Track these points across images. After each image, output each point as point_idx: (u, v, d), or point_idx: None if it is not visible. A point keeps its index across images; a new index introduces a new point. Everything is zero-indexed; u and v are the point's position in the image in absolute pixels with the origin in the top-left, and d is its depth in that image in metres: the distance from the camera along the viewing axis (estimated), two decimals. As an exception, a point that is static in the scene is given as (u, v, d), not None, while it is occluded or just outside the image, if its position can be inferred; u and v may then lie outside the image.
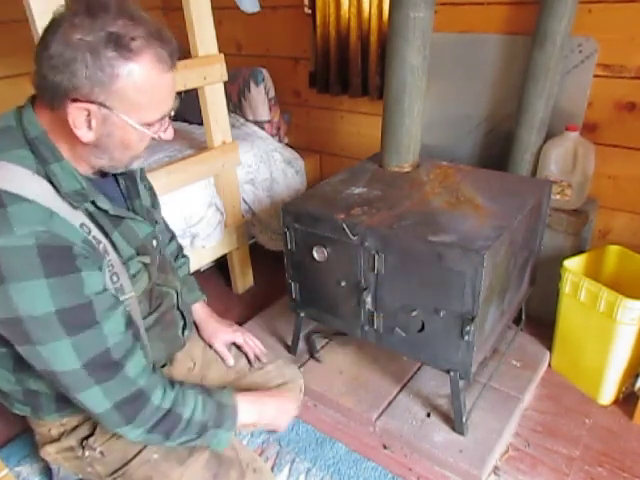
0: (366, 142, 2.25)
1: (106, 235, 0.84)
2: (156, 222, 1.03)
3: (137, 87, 0.75)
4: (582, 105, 1.66)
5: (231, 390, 1.01)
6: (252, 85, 2.21)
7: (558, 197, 1.67)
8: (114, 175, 0.93)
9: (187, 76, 1.63)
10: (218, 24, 1.70)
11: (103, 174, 0.91)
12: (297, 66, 2.36)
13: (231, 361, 1.18)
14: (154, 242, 0.98)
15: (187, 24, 1.63)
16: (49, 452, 1.02)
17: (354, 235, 1.27)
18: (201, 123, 1.85)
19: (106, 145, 0.80)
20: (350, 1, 1.98)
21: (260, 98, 2.23)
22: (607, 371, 1.48)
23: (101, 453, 0.98)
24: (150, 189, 1.09)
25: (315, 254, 1.36)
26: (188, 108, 2.13)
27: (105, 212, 0.85)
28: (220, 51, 1.74)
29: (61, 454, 1.01)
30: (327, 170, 2.48)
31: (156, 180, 1.65)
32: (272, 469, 1.39)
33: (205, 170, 1.81)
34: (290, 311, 1.60)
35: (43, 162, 0.78)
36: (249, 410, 1.00)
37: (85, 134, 0.77)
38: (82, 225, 0.79)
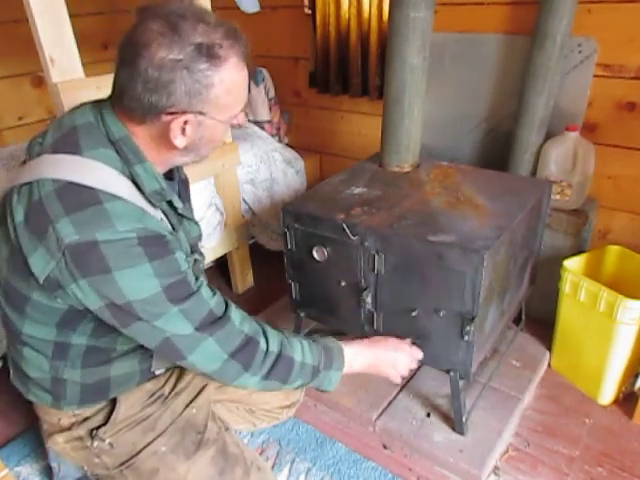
0: (366, 142, 2.24)
1: (175, 232, 0.90)
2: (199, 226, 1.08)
3: (227, 89, 0.79)
4: (582, 105, 1.66)
5: (332, 338, 1.04)
6: (252, 85, 2.21)
7: (558, 197, 1.67)
8: (172, 179, 0.99)
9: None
10: (218, 24, 1.70)
11: (168, 177, 0.96)
12: (297, 66, 2.36)
13: None
14: (199, 244, 1.05)
15: (187, 24, 1.63)
16: (57, 441, 1.02)
17: (354, 235, 1.27)
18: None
19: (196, 146, 0.85)
20: (350, 1, 1.98)
21: (260, 98, 2.24)
22: (607, 371, 1.48)
23: (110, 444, 0.99)
24: None
25: (315, 254, 1.36)
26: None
27: (174, 211, 0.91)
28: (220, 51, 1.74)
29: (69, 444, 1.02)
30: (327, 170, 2.48)
31: (156, 180, 1.65)
32: (272, 469, 1.39)
33: (205, 170, 1.80)
34: (290, 311, 1.60)
35: (127, 163, 0.82)
36: (359, 358, 1.04)
37: (180, 141, 0.81)
38: (162, 219, 0.85)
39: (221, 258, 2.04)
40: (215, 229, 1.91)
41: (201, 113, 0.79)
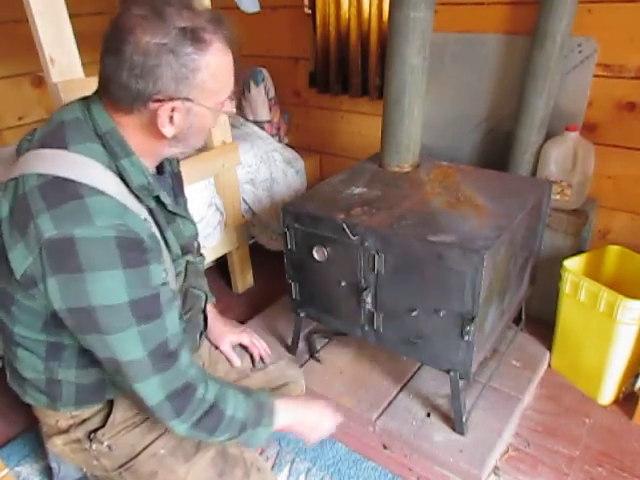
0: (366, 142, 2.24)
1: (161, 232, 0.87)
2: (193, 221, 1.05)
3: (214, 74, 0.78)
4: (582, 105, 1.66)
5: (268, 391, 1.03)
6: (252, 85, 2.21)
7: (558, 197, 1.67)
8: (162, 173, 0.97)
9: (187, 76, 1.63)
10: (218, 24, 1.70)
11: (159, 171, 0.94)
12: (297, 66, 2.36)
13: (238, 362, 1.19)
14: (195, 243, 1.01)
15: (187, 24, 1.63)
16: (56, 444, 1.02)
17: (354, 235, 1.27)
18: (201, 123, 1.85)
19: (185, 135, 0.83)
20: (350, 1, 1.98)
21: (260, 98, 2.24)
22: (607, 371, 1.48)
23: (108, 447, 0.98)
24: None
25: (315, 254, 1.36)
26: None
27: (163, 208, 0.88)
28: (220, 51, 1.74)
29: (68, 446, 1.01)
30: (327, 170, 2.48)
31: (156, 180, 1.65)
32: (272, 469, 1.39)
33: (205, 170, 1.81)
34: (290, 311, 1.60)
35: (114, 157, 0.80)
36: (286, 414, 1.01)
37: (168, 130, 0.80)
38: (145, 220, 0.81)
39: (221, 258, 2.04)
40: (215, 229, 1.91)
41: (188, 99, 0.78)
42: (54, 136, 0.80)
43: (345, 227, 1.27)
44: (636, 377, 1.52)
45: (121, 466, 0.98)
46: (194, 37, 0.74)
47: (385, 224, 1.26)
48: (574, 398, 1.56)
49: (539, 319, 1.75)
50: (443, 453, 1.34)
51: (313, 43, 2.18)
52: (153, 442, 0.98)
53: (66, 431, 1.00)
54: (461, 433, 1.37)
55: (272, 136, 2.28)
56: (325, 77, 2.18)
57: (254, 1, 1.82)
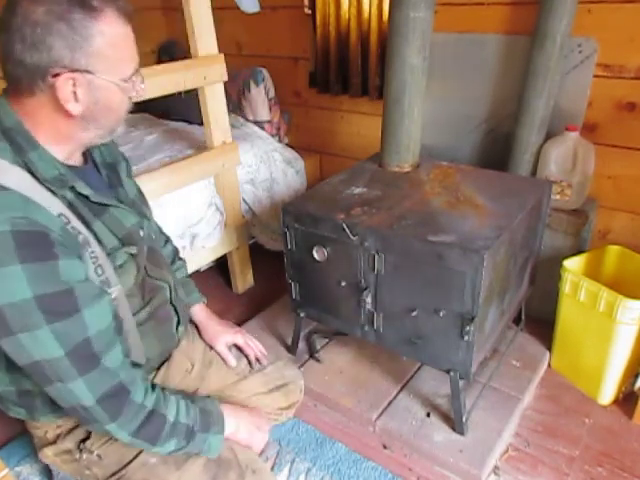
0: (366, 142, 2.24)
1: (87, 225, 0.83)
2: (144, 215, 1.02)
3: (111, 43, 0.76)
4: (582, 105, 1.66)
5: (214, 398, 1.01)
6: (252, 85, 2.21)
7: (558, 197, 1.67)
8: (95, 166, 0.94)
9: (187, 76, 1.63)
10: (218, 24, 1.70)
11: (84, 161, 0.91)
12: (297, 66, 2.36)
13: (233, 362, 1.18)
14: (141, 232, 0.96)
15: (187, 24, 1.63)
16: (47, 455, 1.01)
17: (354, 235, 1.27)
18: (201, 123, 1.86)
19: (93, 114, 0.81)
20: (350, 1, 1.98)
21: (260, 98, 2.24)
22: (607, 371, 1.48)
23: (98, 456, 0.97)
24: (138, 189, 1.08)
25: (315, 254, 1.36)
26: (188, 108, 2.13)
27: (86, 199, 0.85)
28: (220, 51, 1.74)
29: (59, 457, 1.01)
30: (327, 170, 2.48)
31: (156, 180, 1.65)
32: (272, 469, 1.39)
33: (205, 170, 1.81)
34: (290, 311, 1.60)
35: (20, 152, 0.78)
36: (233, 420, 1.01)
37: (73, 107, 0.78)
38: (60, 215, 0.78)
39: (221, 258, 2.04)
40: (215, 229, 1.91)
41: (87, 71, 0.76)
42: None
43: (345, 227, 1.27)
44: (636, 377, 1.52)
45: (112, 475, 0.97)
46: (83, 4, 0.73)
47: (385, 224, 1.26)
48: (574, 398, 1.56)
49: (539, 319, 1.75)
50: (443, 453, 1.34)
51: (313, 43, 2.18)
52: (143, 450, 0.96)
53: (54, 442, 0.99)
54: (461, 433, 1.37)
55: (272, 136, 2.28)
56: (325, 77, 2.18)
57: (254, 1, 1.83)
